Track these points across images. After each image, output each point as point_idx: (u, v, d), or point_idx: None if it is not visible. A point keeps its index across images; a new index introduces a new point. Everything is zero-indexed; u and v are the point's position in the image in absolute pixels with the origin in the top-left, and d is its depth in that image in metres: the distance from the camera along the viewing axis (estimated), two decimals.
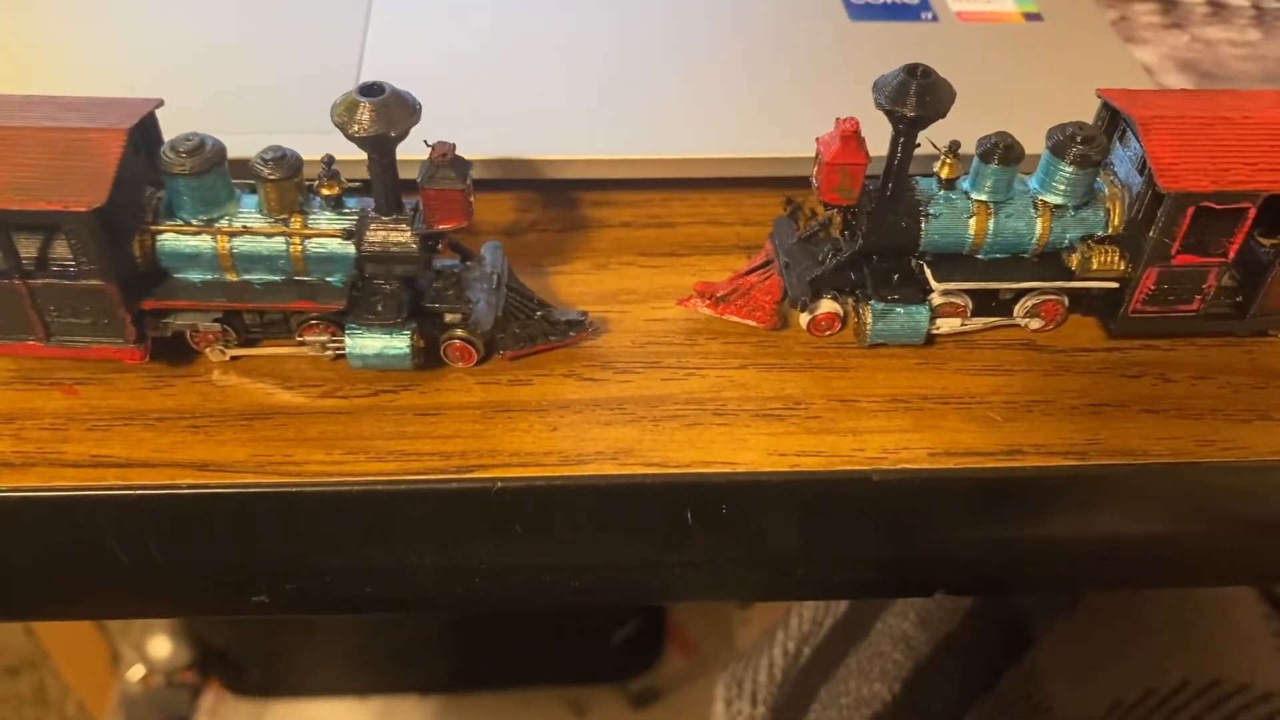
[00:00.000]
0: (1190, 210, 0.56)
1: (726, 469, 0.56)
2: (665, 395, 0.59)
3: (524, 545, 0.58)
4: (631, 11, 0.79)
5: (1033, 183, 0.59)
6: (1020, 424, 0.59)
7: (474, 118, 0.69)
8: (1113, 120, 0.60)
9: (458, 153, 0.54)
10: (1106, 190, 0.59)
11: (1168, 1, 0.91)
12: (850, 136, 0.55)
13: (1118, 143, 0.60)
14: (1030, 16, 0.81)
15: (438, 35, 0.76)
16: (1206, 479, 0.59)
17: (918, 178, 0.59)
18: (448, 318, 0.58)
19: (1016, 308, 0.62)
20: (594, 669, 1.80)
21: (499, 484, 0.55)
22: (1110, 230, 0.59)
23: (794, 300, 0.60)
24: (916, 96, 0.54)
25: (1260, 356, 0.63)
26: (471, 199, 0.55)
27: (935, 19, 0.80)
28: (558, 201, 0.70)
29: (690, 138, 0.69)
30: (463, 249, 0.60)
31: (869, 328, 0.60)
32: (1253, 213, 0.56)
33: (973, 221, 0.58)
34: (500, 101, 0.70)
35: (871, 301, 0.60)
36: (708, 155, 0.68)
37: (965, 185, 0.59)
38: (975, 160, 0.58)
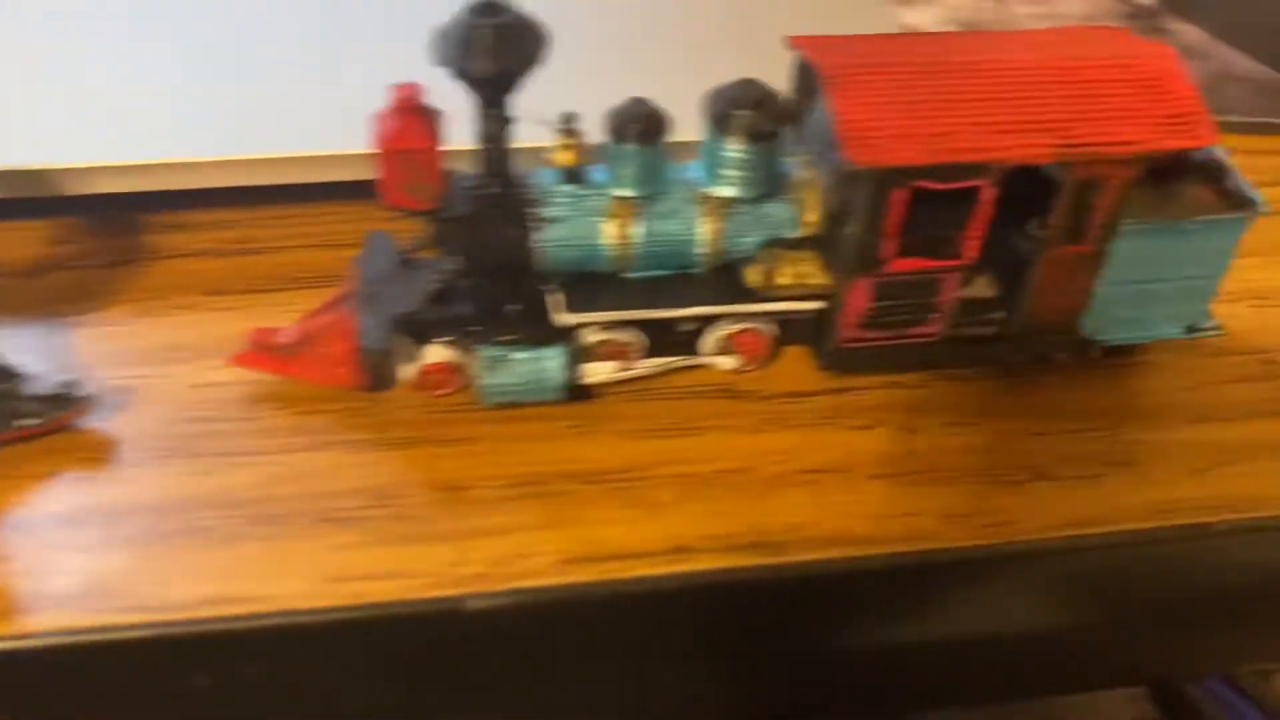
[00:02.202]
0: (899, 194, 0.39)
1: (252, 609, 0.38)
2: (188, 498, 0.41)
3: None
4: None
5: (695, 169, 0.42)
6: (697, 506, 0.42)
7: None
8: (807, 81, 0.43)
9: None
10: (799, 177, 0.43)
11: None
12: (409, 110, 0.38)
13: (813, 110, 0.43)
14: None
15: None
16: (943, 580, 0.42)
17: (537, 170, 0.42)
18: None
19: (702, 342, 0.45)
20: None
21: None
22: (804, 230, 0.42)
23: (367, 349, 0.42)
24: (493, 46, 0.36)
25: (1040, 390, 0.47)
26: None
27: None
28: (110, 228, 0.52)
29: (287, 133, 0.51)
30: None
31: (480, 383, 0.42)
32: (989, 193, 0.40)
33: (609, 226, 0.41)
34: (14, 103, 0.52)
35: (479, 347, 0.42)
36: (308, 153, 0.50)
37: (599, 176, 0.42)
38: (608, 141, 0.41)
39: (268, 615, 0.38)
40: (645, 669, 0.42)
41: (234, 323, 0.47)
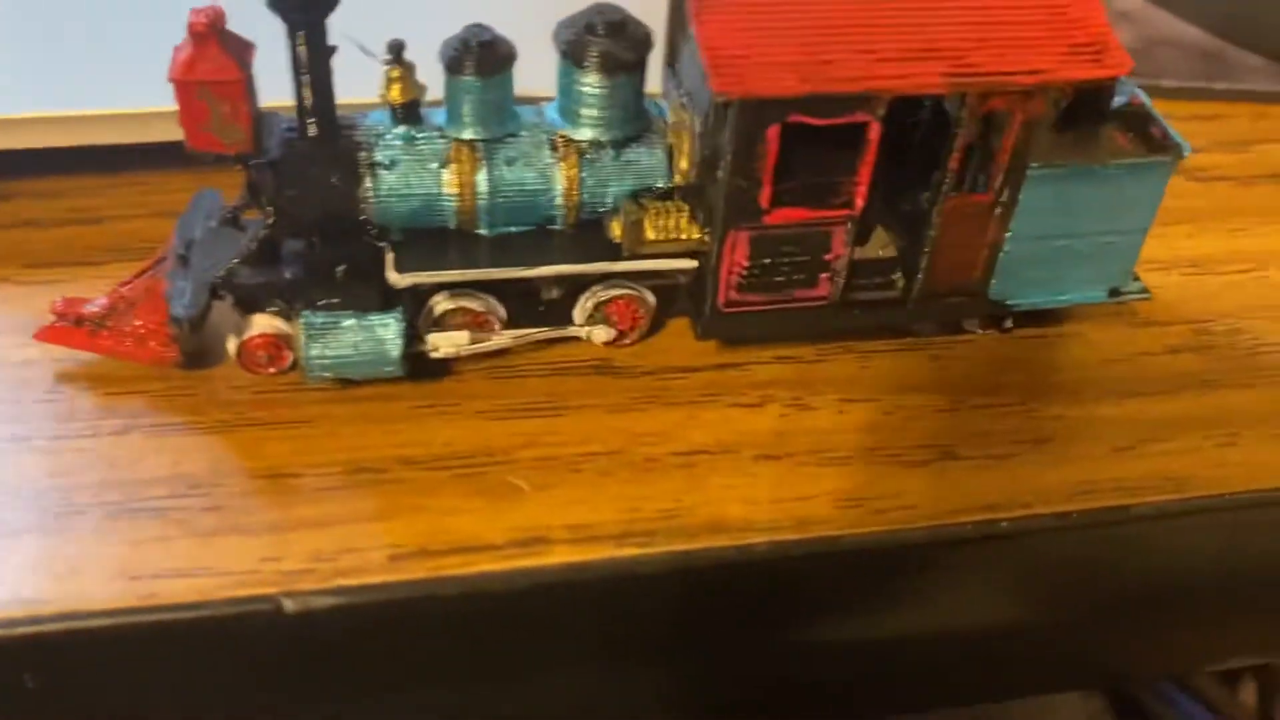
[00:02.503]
0: (774, 130, 0.34)
1: (26, 612, 0.33)
2: None
3: None
4: None
5: (550, 111, 0.37)
6: (558, 493, 0.37)
7: None
8: (682, 15, 0.38)
9: None
10: (670, 119, 0.38)
11: None
12: (204, 34, 0.33)
13: (685, 47, 0.38)
14: None
15: None
16: (837, 572, 0.37)
17: (367, 114, 0.37)
18: None
19: (576, 310, 0.40)
20: None
21: None
22: (678, 179, 0.38)
23: (175, 318, 0.37)
24: None
25: (948, 362, 0.42)
26: None
27: None
28: None
29: (129, 86, 0.45)
30: None
31: (302, 354, 0.37)
32: (875, 130, 0.35)
33: (450, 173, 0.36)
34: None
35: (303, 313, 0.37)
36: (150, 109, 0.45)
37: (439, 119, 0.37)
38: (444, 76, 0.36)
39: (51, 619, 0.33)
40: (491, 675, 0.37)
41: (52, 297, 0.41)
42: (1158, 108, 0.41)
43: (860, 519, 0.37)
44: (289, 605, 0.33)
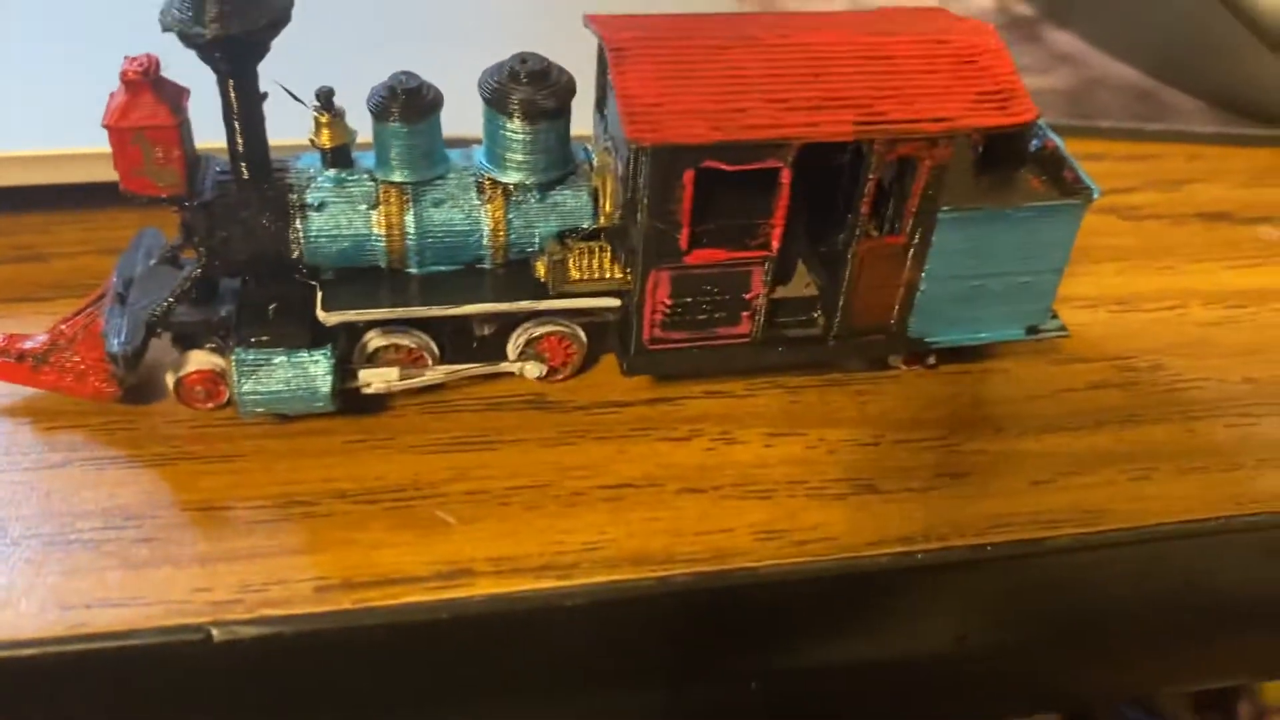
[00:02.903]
0: (689, 175, 0.35)
1: None
2: None
3: None
4: None
5: (478, 154, 0.39)
6: (485, 526, 0.38)
7: None
8: (605, 63, 0.40)
9: None
10: (595, 163, 0.39)
11: None
12: (138, 82, 0.34)
13: (611, 94, 0.40)
14: None
15: None
16: (754, 604, 0.38)
17: (299, 157, 0.38)
18: None
19: (509, 346, 0.41)
20: None
21: None
22: (603, 220, 0.39)
23: (111, 355, 0.38)
24: (216, 4, 0.33)
25: (871, 398, 0.44)
26: None
27: None
28: None
29: (69, 127, 0.47)
30: None
31: (236, 390, 0.38)
32: (787, 175, 0.36)
33: (379, 214, 0.37)
34: None
35: (235, 350, 0.38)
36: (91, 149, 0.46)
37: (368, 162, 0.38)
38: (371, 121, 0.37)
39: None
40: (414, 704, 0.38)
41: None
42: (1095, 147, 0.42)
43: (779, 550, 0.38)
44: (217, 634, 0.34)
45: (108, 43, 0.51)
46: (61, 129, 0.46)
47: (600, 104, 0.41)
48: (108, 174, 0.45)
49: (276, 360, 0.37)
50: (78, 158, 0.46)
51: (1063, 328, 0.43)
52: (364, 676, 0.37)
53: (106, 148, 0.45)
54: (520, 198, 0.38)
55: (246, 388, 0.38)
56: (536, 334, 0.41)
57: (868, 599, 0.40)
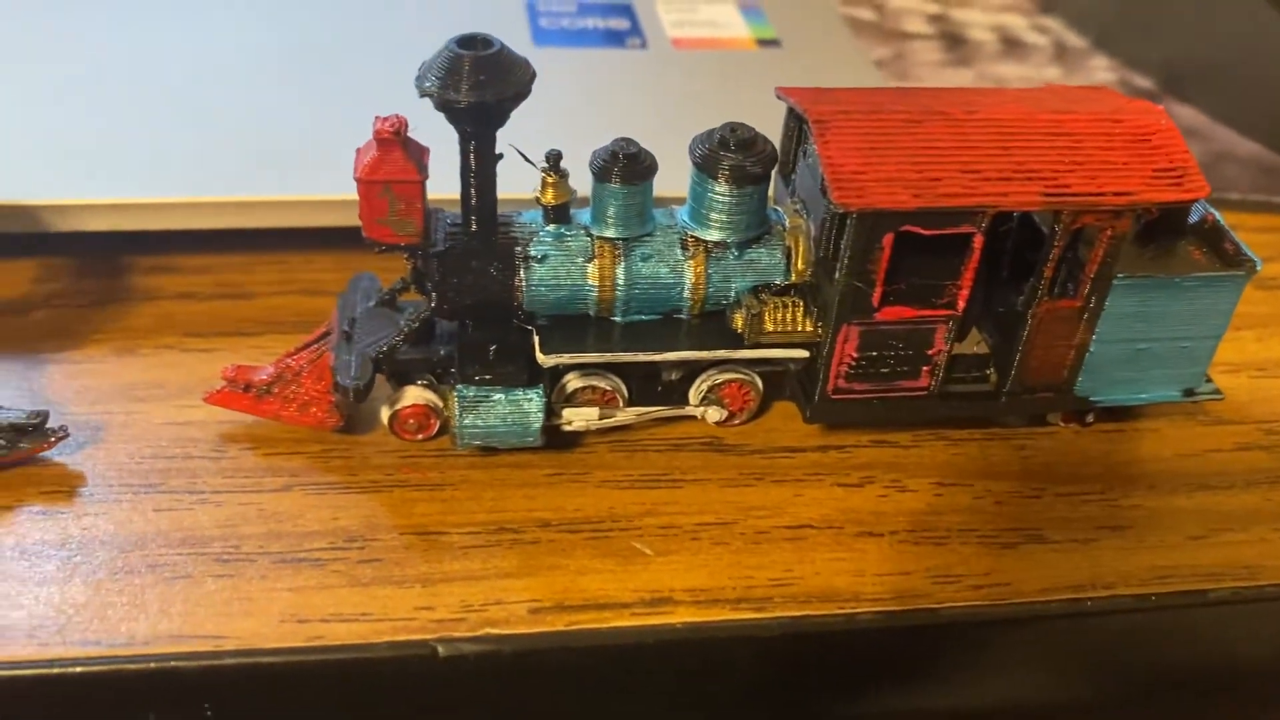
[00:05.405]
0: (888, 238, 0.38)
1: (208, 646, 0.37)
2: (150, 534, 0.40)
3: None
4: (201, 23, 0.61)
5: (682, 214, 0.42)
6: (679, 558, 0.40)
7: None
8: (799, 131, 0.43)
9: None
10: (787, 223, 0.42)
11: (952, 39, 0.77)
12: (390, 140, 0.38)
13: (802, 159, 0.43)
14: (766, 43, 0.65)
15: None
16: (934, 642, 0.40)
17: (521, 212, 0.42)
18: None
19: (691, 391, 0.44)
20: None
21: None
22: (794, 277, 0.42)
23: (343, 388, 0.41)
24: (471, 75, 0.36)
25: (1034, 452, 0.46)
26: None
27: (644, 45, 0.64)
28: (97, 269, 0.51)
29: (276, 176, 0.51)
30: None
31: (455, 423, 0.41)
32: (979, 240, 0.39)
33: (594, 267, 0.40)
34: None
35: (458, 386, 0.41)
36: (297, 197, 0.50)
37: (584, 219, 0.41)
38: (592, 182, 0.40)
39: (225, 655, 0.37)
40: None
41: (212, 364, 0.45)
42: (1227, 219, 0.44)
43: (956, 594, 0.40)
44: (443, 650, 0.37)
45: (324, 97, 0.56)
46: (259, 177, 0.50)
47: (785, 168, 0.44)
48: (299, 220, 0.49)
49: (495, 397, 0.40)
50: (279, 205, 0.50)
51: (1217, 391, 0.45)
52: (570, 699, 0.39)
53: (305, 195, 0.49)
54: (720, 254, 0.41)
55: (467, 421, 0.41)
56: (719, 380, 0.44)
57: (1036, 643, 0.42)
